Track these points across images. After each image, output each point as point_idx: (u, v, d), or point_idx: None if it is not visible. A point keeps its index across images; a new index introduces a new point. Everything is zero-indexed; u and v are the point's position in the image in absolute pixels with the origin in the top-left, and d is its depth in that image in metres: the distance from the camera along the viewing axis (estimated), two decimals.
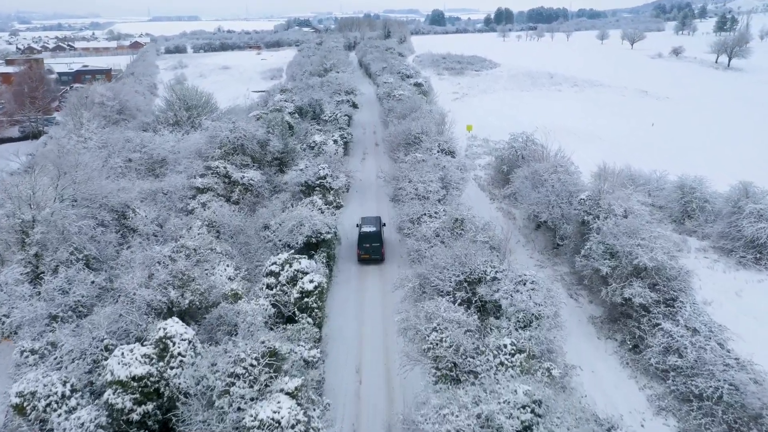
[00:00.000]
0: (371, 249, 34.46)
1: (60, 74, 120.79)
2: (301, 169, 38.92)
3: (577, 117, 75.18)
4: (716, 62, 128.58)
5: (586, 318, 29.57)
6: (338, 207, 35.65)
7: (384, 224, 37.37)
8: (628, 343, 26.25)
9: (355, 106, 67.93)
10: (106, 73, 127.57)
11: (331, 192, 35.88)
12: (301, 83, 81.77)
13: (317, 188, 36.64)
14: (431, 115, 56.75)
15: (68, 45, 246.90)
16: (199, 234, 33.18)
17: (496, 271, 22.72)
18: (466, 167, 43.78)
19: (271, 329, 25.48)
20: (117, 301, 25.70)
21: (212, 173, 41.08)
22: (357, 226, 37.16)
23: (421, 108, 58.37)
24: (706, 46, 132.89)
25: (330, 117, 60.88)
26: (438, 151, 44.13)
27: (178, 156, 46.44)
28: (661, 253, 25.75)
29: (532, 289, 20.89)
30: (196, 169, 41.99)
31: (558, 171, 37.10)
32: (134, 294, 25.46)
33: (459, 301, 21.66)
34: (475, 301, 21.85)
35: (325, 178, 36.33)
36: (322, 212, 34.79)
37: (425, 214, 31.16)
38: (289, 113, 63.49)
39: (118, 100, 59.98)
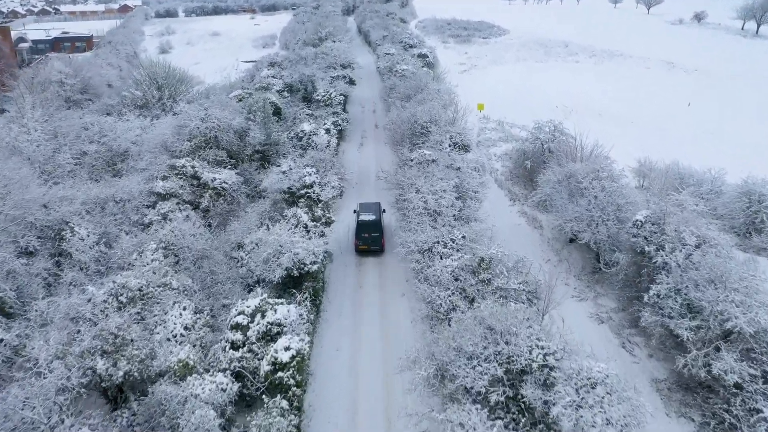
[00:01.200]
0: (370, 239, 31.20)
1: (35, 42, 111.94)
2: (284, 172, 31.71)
3: (600, 93, 67.39)
4: (743, 29, 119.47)
5: (648, 380, 22.82)
6: (328, 223, 28.55)
7: (384, 210, 33.91)
8: (715, 429, 19.56)
9: (352, 82, 60.20)
10: (87, 41, 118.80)
11: (320, 205, 28.74)
12: (294, 54, 73.64)
13: (303, 198, 29.48)
14: (439, 97, 49.14)
15: (54, 9, 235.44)
16: (152, 260, 26.33)
17: (546, 353, 15.83)
18: (484, 167, 36.51)
19: (230, 422, 18.75)
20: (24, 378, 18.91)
21: (177, 174, 33.90)
22: (354, 212, 33.39)
23: (427, 87, 50.71)
24: (731, 11, 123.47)
25: (323, 97, 53.26)
26: (450, 145, 36.88)
27: (141, 149, 39.24)
28: (764, 313, 18.83)
29: (606, 398, 14.06)
30: (160, 168, 34.83)
31: (601, 177, 29.88)
32: (46, 369, 18.73)
33: (494, 405, 14.84)
34: (519, 406, 15.02)
35: (312, 187, 29.12)
36: (308, 231, 27.73)
37: (439, 242, 24.12)
38: (278, 91, 55.90)
39: (80, 78, 52.18)
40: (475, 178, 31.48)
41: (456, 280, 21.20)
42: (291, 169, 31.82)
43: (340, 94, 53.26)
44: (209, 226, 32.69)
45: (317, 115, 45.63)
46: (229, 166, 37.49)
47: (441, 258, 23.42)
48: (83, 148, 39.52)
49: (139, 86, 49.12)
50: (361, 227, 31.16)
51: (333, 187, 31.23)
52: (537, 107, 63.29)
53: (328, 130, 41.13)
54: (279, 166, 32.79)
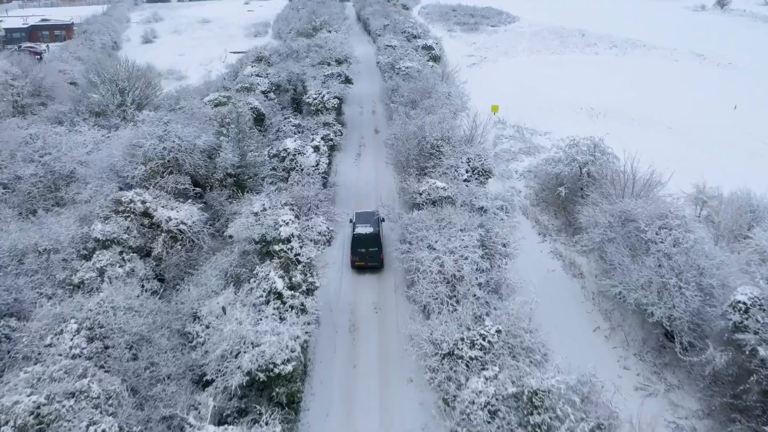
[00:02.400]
0: (368, 255, 28.49)
1: (9, 31, 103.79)
2: (256, 213, 24.42)
3: (628, 91, 59.79)
4: None
5: None
6: (311, 291, 21.31)
7: (383, 219, 30.94)
8: None
9: (348, 81, 52.64)
10: (67, 29, 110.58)
11: (299, 267, 21.44)
12: (284, 47, 66.00)
13: (278, 253, 22.18)
14: (450, 102, 41.75)
15: None
16: (71, 348, 19.32)
17: None
18: (512, 203, 29.11)
19: None
20: None
21: (124, 212, 26.66)
22: (350, 221, 30.60)
23: (435, 89, 43.25)
24: None
25: (314, 100, 45.81)
26: (467, 170, 29.60)
27: (89, 171, 32.01)
28: None
29: None
30: (103, 204, 27.60)
31: (671, 226, 22.60)
32: None
33: None
34: None
35: (291, 241, 21.82)
36: (284, 303, 20.58)
37: (464, 339, 16.96)
38: (263, 92, 48.46)
39: (30, 78, 44.64)
40: (504, 221, 24.25)
41: (493, 418, 14.05)
42: (265, 209, 24.55)
43: (334, 97, 45.79)
44: (161, 281, 25.63)
45: (305, 126, 38.16)
46: (194, 196, 30.29)
47: (467, 365, 16.26)
48: (17, 170, 32.29)
49: (96, 89, 41.63)
50: (358, 241, 28.16)
51: (318, 241, 23.91)
52: (558, 108, 55.92)
53: (316, 148, 33.73)
54: (251, 203, 25.46)
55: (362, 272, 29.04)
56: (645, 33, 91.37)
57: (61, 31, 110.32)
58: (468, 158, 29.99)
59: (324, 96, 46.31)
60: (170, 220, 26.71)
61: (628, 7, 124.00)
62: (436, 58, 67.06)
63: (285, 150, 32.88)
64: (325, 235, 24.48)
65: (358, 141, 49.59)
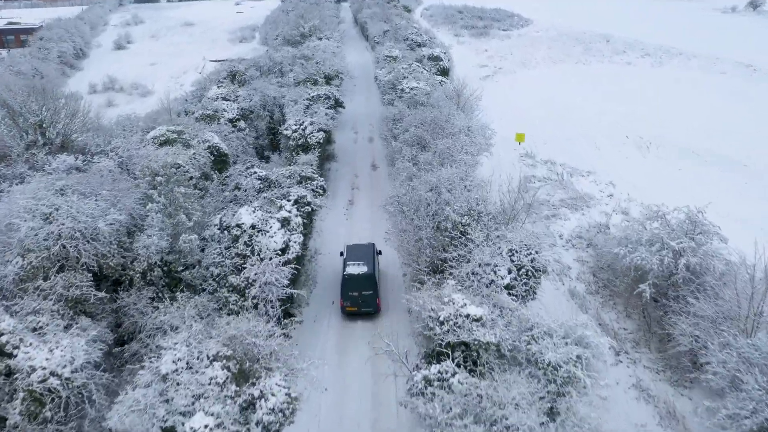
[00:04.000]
0: (360, 299, 23.81)
1: None
2: (165, 377, 14.08)
3: (679, 114, 49.36)
4: None
5: None
6: None
7: (380, 252, 26.91)
8: None
9: (338, 104, 42.28)
10: (32, 34, 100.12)
11: None
12: (265, 58, 55.58)
13: None
14: (471, 140, 31.47)
15: None
16: None
17: None
18: (597, 349, 18.46)
19: None
20: None
21: None
22: (341, 254, 26.62)
23: (451, 121, 32.89)
24: None
25: (294, 132, 35.62)
26: (510, 271, 19.26)
27: None
28: None
29: None
30: None
31: None
32: None
33: None
34: None
35: None
36: None
37: None
38: (230, 121, 38.27)
39: None
40: (587, 389, 13.98)
41: None
42: (178, 370, 14.21)
43: (319, 130, 35.47)
44: None
45: (275, 180, 27.67)
46: (98, 303, 20.04)
47: None
48: None
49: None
50: (349, 283, 23.76)
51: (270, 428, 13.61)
52: (596, 135, 45.58)
53: (285, 221, 23.28)
54: (160, 352, 15.12)
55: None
56: (676, 38, 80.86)
57: (27, 36, 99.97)
58: (510, 249, 19.63)
59: (306, 127, 35.99)
60: (34, 370, 16.39)
61: (651, 8, 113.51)
62: (444, 71, 56.77)
63: (239, 226, 22.51)
64: (283, 413, 14.27)
65: (351, 181, 39.24)
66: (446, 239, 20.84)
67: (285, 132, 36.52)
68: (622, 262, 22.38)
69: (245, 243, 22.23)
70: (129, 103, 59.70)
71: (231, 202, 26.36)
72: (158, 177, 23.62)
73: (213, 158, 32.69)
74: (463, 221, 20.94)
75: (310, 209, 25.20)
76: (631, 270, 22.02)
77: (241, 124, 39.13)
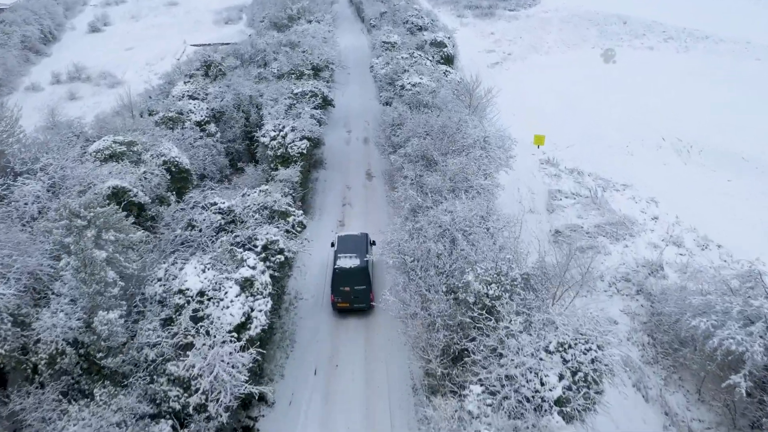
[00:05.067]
0: (352, 295, 21.98)
1: None
2: None
3: (719, 110, 43.02)
4: None
5: None
6: None
7: (373, 243, 24.67)
8: None
9: (327, 103, 36.04)
10: None
11: None
12: (246, 45, 48.96)
13: None
14: (488, 153, 25.40)
15: None
16: None
17: None
18: None
19: None
20: None
21: None
22: (332, 245, 24.36)
23: (462, 129, 26.71)
24: None
25: (272, 140, 29.46)
26: (560, 376, 13.26)
27: None
28: None
29: None
30: None
31: None
32: None
33: None
34: None
35: None
36: None
37: None
38: (197, 124, 32.16)
39: None
40: None
41: None
42: None
43: (303, 138, 29.28)
44: None
45: (239, 214, 21.48)
46: None
47: None
48: None
49: None
50: (340, 278, 21.75)
51: None
52: (625, 137, 39.42)
53: (248, 282, 17.20)
54: None
55: None
56: (699, 19, 73.95)
57: None
58: (561, 343, 13.65)
59: (286, 134, 29.76)
60: None
61: None
62: (449, 59, 50.36)
63: (182, 292, 16.46)
64: None
65: (342, 195, 33.14)
66: (467, 318, 14.84)
67: (262, 139, 30.33)
68: (705, 341, 16.44)
69: (189, 317, 16.20)
70: (95, 96, 53.25)
71: (182, 244, 20.24)
72: (77, 220, 17.50)
73: (171, 176, 26.58)
74: (490, 292, 14.93)
75: (283, 258, 19.08)
76: (717, 354, 16.09)
77: (211, 127, 32.87)
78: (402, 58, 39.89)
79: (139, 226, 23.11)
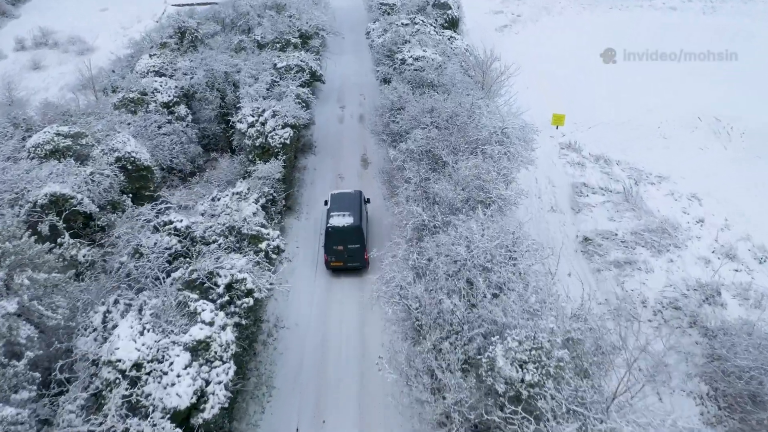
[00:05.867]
0: (346, 253, 21.83)
1: None
2: None
3: (754, 84, 38.23)
4: None
5: None
6: None
7: (368, 200, 24.85)
8: None
9: (314, 79, 31.32)
10: None
11: None
12: (228, 8, 43.65)
13: None
14: (509, 150, 21.03)
15: None
16: None
17: None
18: None
19: None
20: None
21: None
22: (325, 203, 24.17)
23: (475, 118, 22.25)
24: None
25: (250, 128, 24.99)
26: None
27: None
28: None
29: None
30: None
31: None
32: None
33: None
34: None
35: None
36: None
37: None
38: (164, 105, 27.66)
39: None
40: None
41: None
42: None
43: (285, 126, 24.77)
44: None
45: (200, 238, 17.15)
46: None
47: None
48: None
49: None
50: (333, 237, 21.53)
51: None
52: (654, 116, 34.77)
53: (202, 345, 13.00)
54: None
55: None
56: None
57: None
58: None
59: (266, 120, 25.20)
60: None
61: None
62: (454, 22, 45.28)
63: (112, 364, 12.31)
64: None
65: (334, 185, 28.70)
66: (494, 417, 10.74)
67: (239, 125, 25.75)
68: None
69: (123, 396, 12.11)
70: (61, 64, 47.99)
71: (128, 277, 16.02)
72: None
73: (127, 175, 22.19)
74: (527, 378, 10.80)
75: (251, 302, 14.88)
76: None
77: (181, 110, 28.24)
78: (402, 24, 34.84)
79: (84, 240, 19.02)
